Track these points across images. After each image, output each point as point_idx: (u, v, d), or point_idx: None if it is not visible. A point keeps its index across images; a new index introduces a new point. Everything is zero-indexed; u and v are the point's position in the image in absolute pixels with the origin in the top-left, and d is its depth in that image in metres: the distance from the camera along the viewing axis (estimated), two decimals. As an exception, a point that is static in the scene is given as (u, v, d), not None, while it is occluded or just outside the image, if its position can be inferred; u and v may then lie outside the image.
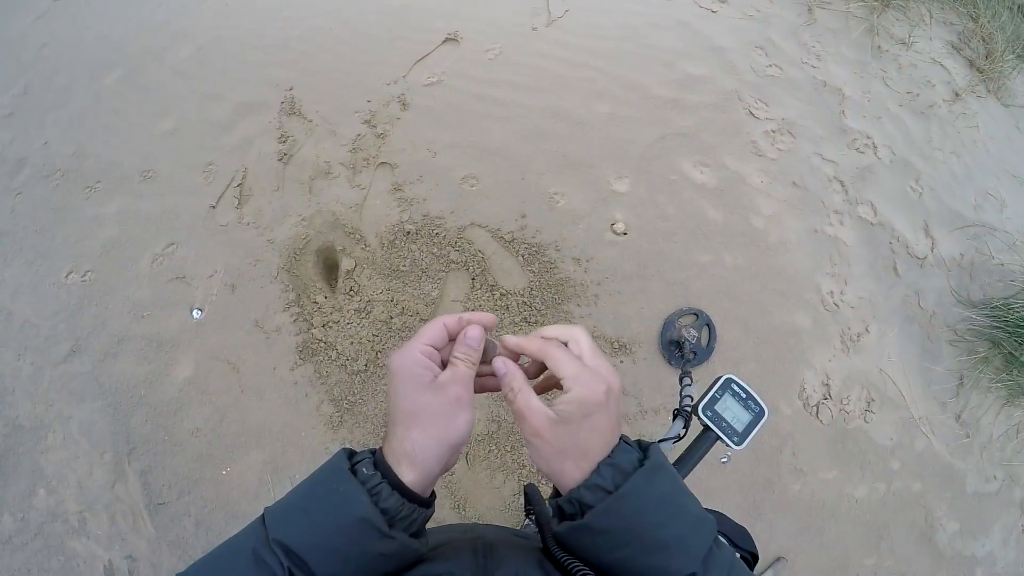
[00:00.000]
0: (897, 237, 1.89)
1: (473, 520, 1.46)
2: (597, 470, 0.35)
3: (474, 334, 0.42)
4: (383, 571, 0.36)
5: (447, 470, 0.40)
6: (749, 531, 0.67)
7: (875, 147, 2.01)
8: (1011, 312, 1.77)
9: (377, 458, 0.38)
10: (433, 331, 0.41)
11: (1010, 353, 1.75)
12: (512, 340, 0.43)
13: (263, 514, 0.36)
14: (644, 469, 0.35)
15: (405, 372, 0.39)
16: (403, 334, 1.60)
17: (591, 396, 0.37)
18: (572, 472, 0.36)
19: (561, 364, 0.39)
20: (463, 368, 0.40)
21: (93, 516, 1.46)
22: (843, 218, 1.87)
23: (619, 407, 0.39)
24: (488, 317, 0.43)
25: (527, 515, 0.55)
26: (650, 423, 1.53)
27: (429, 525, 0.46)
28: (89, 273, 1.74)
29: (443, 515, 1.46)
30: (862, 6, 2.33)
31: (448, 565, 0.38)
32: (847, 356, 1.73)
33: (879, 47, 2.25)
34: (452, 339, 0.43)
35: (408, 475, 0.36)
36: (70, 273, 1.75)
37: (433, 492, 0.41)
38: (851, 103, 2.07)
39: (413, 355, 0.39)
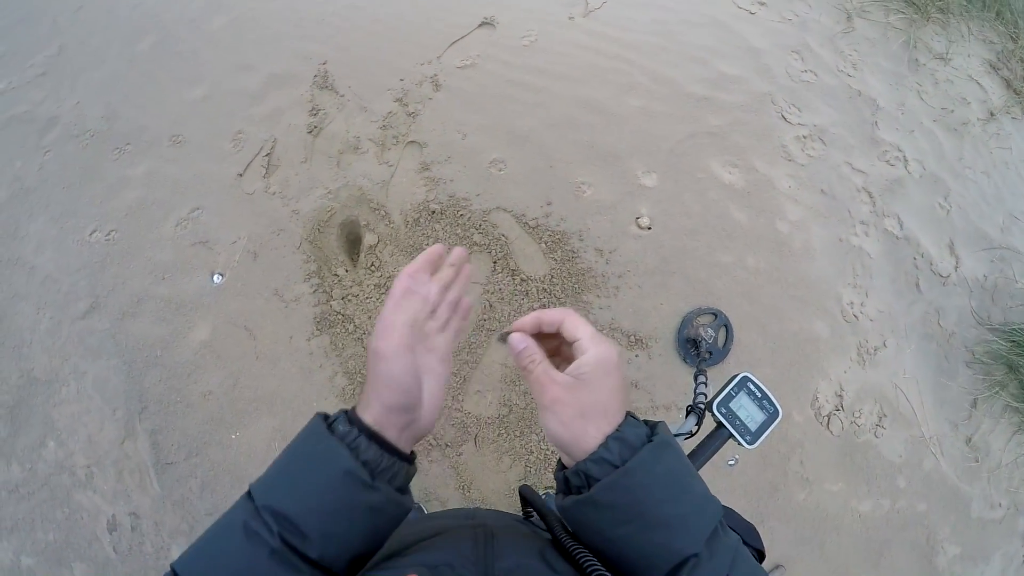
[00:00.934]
0: (922, 253, 1.86)
1: (477, 503, 1.46)
2: (605, 444, 0.35)
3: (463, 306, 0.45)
4: (375, 527, 0.36)
5: (427, 432, 0.41)
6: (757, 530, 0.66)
7: (906, 161, 1.98)
8: None
9: (351, 415, 0.38)
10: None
11: None
12: (526, 320, 0.43)
13: (248, 490, 0.36)
14: (652, 445, 0.35)
15: (386, 339, 0.40)
16: (420, 313, 1.60)
17: (609, 355, 0.38)
18: (594, 434, 0.36)
19: (580, 325, 0.40)
20: (440, 341, 0.44)
21: (100, 471, 1.48)
22: (869, 230, 1.85)
23: (623, 378, 0.39)
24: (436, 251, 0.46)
25: (526, 518, 0.56)
26: (661, 419, 1.53)
27: (433, 508, 0.47)
28: (113, 232, 1.76)
29: (447, 495, 1.47)
30: (902, 18, 2.29)
31: (447, 554, 0.38)
32: (863, 369, 1.71)
33: (916, 60, 2.21)
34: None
35: (388, 433, 0.37)
36: (94, 231, 1.77)
37: (413, 451, 0.41)
38: (884, 114, 2.04)
39: (400, 327, 0.41)
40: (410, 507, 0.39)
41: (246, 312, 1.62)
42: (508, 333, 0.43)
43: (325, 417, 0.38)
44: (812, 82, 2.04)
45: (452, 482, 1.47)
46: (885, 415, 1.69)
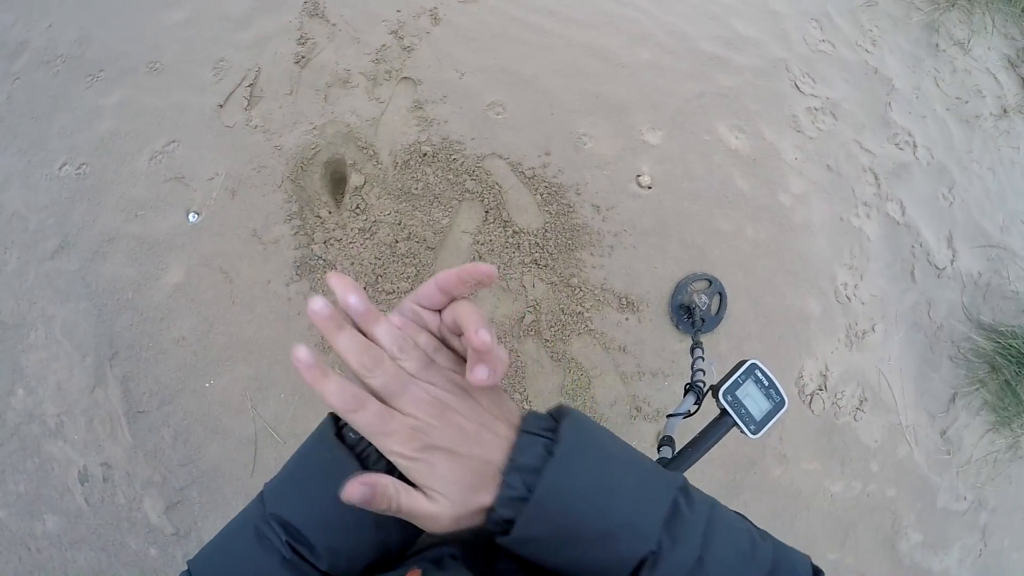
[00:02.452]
0: (920, 242, 1.83)
1: None
2: (504, 482, 0.30)
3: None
4: (385, 540, 0.33)
5: None
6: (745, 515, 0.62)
7: (915, 146, 1.93)
8: (1016, 341, 1.74)
9: None
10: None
11: (1007, 381, 1.74)
12: (446, 276, 0.32)
13: (262, 490, 0.34)
14: (554, 461, 0.29)
15: None
16: (407, 260, 1.52)
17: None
18: (488, 499, 0.30)
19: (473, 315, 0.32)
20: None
21: (71, 420, 1.42)
22: (870, 212, 1.80)
23: (494, 401, 0.32)
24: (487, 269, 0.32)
25: None
26: (646, 385, 1.49)
27: None
28: (84, 166, 1.63)
29: None
30: (927, 0, 2.21)
31: (450, 546, 0.36)
32: (849, 351, 1.69)
33: (937, 45, 2.14)
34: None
35: None
36: (64, 165, 1.64)
37: None
38: (899, 96, 1.98)
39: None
40: None
41: (222, 254, 1.53)
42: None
43: (336, 419, 0.35)
44: (829, 53, 1.95)
45: None
46: (866, 399, 1.69)
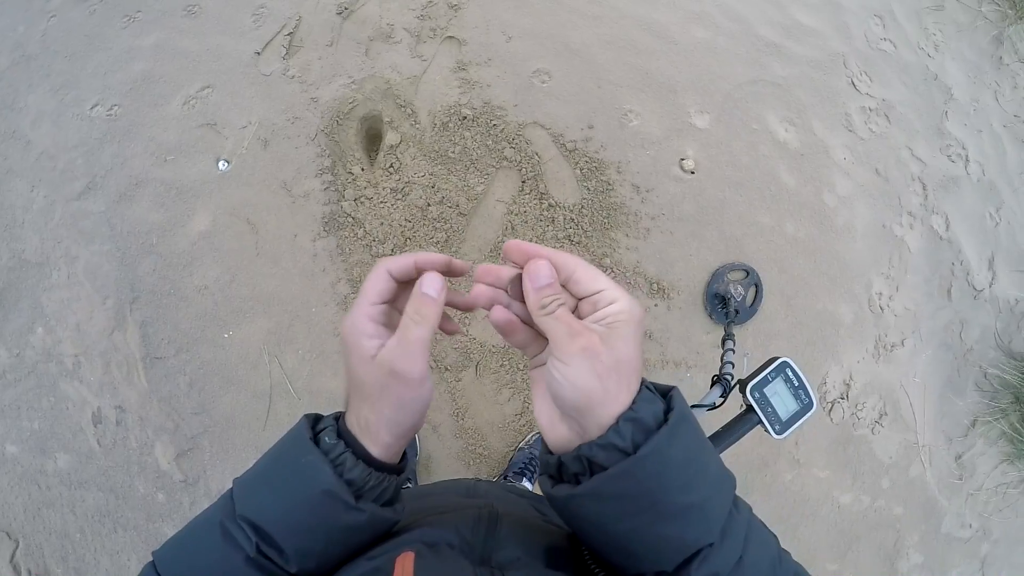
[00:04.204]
0: (961, 260, 1.77)
1: (469, 432, 1.40)
2: (616, 425, 0.29)
3: (433, 284, 0.33)
4: (356, 542, 0.34)
5: (412, 436, 0.36)
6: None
7: (967, 160, 1.85)
8: None
9: (340, 425, 0.35)
10: (376, 284, 0.34)
11: None
12: (527, 246, 0.34)
13: (232, 487, 0.34)
14: (669, 427, 0.29)
15: (349, 342, 0.33)
16: (438, 224, 1.48)
17: (638, 308, 0.32)
18: (624, 399, 0.30)
19: (598, 275, 0.33)
20: (416, 332, 0.32)
21: (88, 361, 1.42)
22: (914, 223, 1.74)
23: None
24: (441, 259, 0.35)
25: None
26: (668, 375, 1.46)
27: (423, 432, 0.38)
28: (116, 107, 1.60)
29: (440, 419, 1.41)
30: (995, 10, 2.10)
31: (447, 533, 0.36)
32: (876, 363, 1.65)
33: (1000, 58, 2.05)
34: (407, 282, 0.35)
35: (370, 447, 0.33)
36: (96, 105, 1.61)
37: (405, 455, 0.38)
38: (956, 106, 1.89)
39: (357, 322, 0.33)
40: (399, 519, 0.36)
41: (250, 204, 1.51)
42: (518, 299, 0.34)
43: (314, 422, 0.35)
44: (889, 53, 1.87)
45: (447, 407, 1.41)
46: (886, 414, 1.65)
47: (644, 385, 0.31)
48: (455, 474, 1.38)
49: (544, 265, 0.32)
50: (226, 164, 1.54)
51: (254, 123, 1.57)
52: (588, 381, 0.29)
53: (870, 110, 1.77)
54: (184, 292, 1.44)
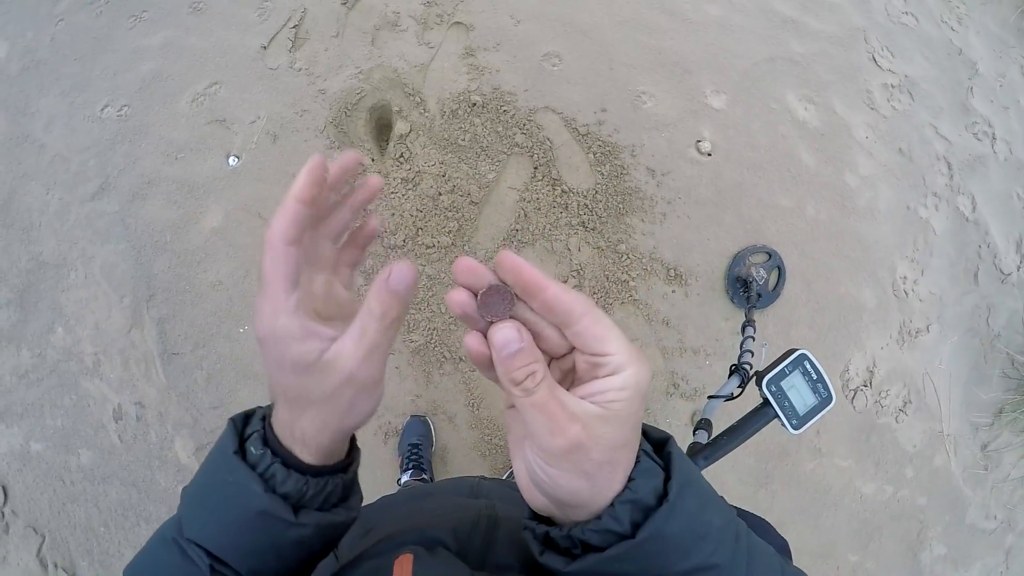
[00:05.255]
0: (988, 243, 1.71)
1: (484, 422, 1.38)
2: (612, 508, 0.26)
3: (403, 278, 0.26)
4: (310, 552, 0.30)
5: (367, 416, 0.30)
6: (768, 521, 0.57)
7: (994, 138, 1.78)
8: None
9: (267, 430, 0.30)
10: (284, 267, 0.27)
11: None
12: (523, 268, 0.25)
13: (180, 500, 0.31)
14: (670, 503, 0.26)
15: (276, 350, 0.27)
16: (449, 214, 1.46)
17: (647, 378, 0.26)
18: (616, 482, 0.26)
19: (609, 332, 0.25)
20: (380, 336, 0.26)
21: (107, 359, 1.44)
22: (940, 203, 1.68)
23: None
24: (352, 157, 0.30)
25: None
26: (686, 362, 1.42)
27: (440, 422, 0.36)
28: (125, 108, 1.61)
29: (456, 410, 1.40)
30: (1021, -19, 2.02)
31: (444, 534, 0.35)
32: (900, 349, 1.60)
33: (1027, 31, 1.96)
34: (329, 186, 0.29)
35: (305, 456, 0.29)
36: (106, 107, 1.62)
37: (354, 444, 0.33)
38: (982, 82, 1.82)
39: (279, 323, 0.26)
40: (354, 516, 0.32)
41: (261, 199, 1.51)
42: (490, 319, 0.26)
43: (241, 426, 0.30)
44: (911, 27, 1.80)
45: (462, 398, 1.40)
46: (910, 402, 1.61)
47: (641, 448, 0.27)
48: (471, 464, 1.36)
49: (510, 328, 0.25)
50: (236, 160, 1.53)
51: (262, 117, 1.56)
52: (574, 482, 0.25)
53: (892, 87, 1.71)
54: (199, 288, 1.45)
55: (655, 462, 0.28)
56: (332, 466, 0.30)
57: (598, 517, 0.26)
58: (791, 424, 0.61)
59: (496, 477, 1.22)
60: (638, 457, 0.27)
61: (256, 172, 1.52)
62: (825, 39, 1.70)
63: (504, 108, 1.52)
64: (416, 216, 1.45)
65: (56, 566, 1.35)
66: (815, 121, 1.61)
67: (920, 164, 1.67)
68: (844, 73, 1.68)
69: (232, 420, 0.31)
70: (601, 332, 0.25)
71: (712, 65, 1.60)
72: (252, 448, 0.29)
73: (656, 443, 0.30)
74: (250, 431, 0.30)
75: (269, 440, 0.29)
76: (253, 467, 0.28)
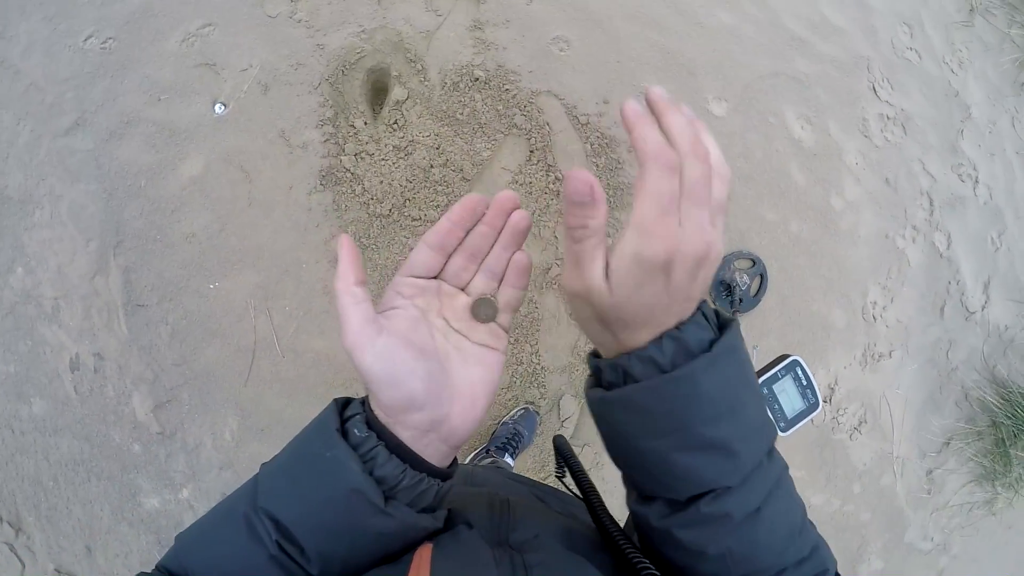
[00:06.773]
0: (958, 280, 1.78)
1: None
2: (659, 340, 0.28)
3: (581, 178, 0.27)
4: (384, 551, 0.30)
5: (461, 436, 0.31)
6: None
7: (976, 181, 1.85)
8: (1023, 405, 1.72)
9: (369, 413, 0.30)
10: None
11: (1002, 439, 1.74)
12: (660, 96, 0.28)
13: (258, 472, 0.31)
14: (710, 355, 0.28)
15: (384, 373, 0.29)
16: (439, 188, 1.44)
17: (648, 255, 0.26)
18: (672, 316, 0.28)
19: (644, 199, 0.26)
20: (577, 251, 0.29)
21: (68, 305, 1.36)
22: (917, 236, 1.74)
23: (693, 278, 0.27)
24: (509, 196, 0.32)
25: (558, 472, 0.46)
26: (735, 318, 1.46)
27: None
28: (110, 40, 1.52)
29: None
30: (1022, 35, 2.08)
31: (461, 516, 0.34)
32: (862, 371, 1.66)
33: (1023, 84, 2.03)
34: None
35: (405, 434, 0.29)
36: (89, 37, 1.52)
37: (455, 460, 0.33)
38: (973, 126, 1.88)
39: (391, 352, 0.29)
40: (439, 527, 0.31)
41: (246, 151, 1.45)
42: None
43: (343, 407, 0.31)
44: (914, 63, 1.84)
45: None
46: (865, 421, 1.67)
47: (701, 310, 0.29)
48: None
49: (583, 176, 0.26)
50: (223, 108, 1.47)
51: (255, 66, 1.50)
52: (579, 324, 0.28)
53: (888, 118, 1.75)
54: (171, 239, 1.39)
55: (711, 324, 0.29)
56: (430, 465, 0.30)
57: (645, 348, 0.28)
58: (779, 427, 0.62)
59: (478, 461, 1.23)
60: (696, 312, 0.29)
61: (243, 123, 1.46)
62: (830, 62, 1.73)
63: (507, 87, 1.50)
64: (405, 186, 1.43)
65: (1, 519, 1.29)
66: (810, 141, 1.65)
67: (904, 196, 1.72)
68: (843, 98, 1.71)
69: (335, 400, 0.31)
70: (640, 192, 0.27)
71: (717, 72, 1.62)
72: (355, 430, 0.29)
73: (721, 322, 0.30)
74: (351, 413, 0.30)
75: (372, 423, 0.29)
76: (354, 448, 0.28)
